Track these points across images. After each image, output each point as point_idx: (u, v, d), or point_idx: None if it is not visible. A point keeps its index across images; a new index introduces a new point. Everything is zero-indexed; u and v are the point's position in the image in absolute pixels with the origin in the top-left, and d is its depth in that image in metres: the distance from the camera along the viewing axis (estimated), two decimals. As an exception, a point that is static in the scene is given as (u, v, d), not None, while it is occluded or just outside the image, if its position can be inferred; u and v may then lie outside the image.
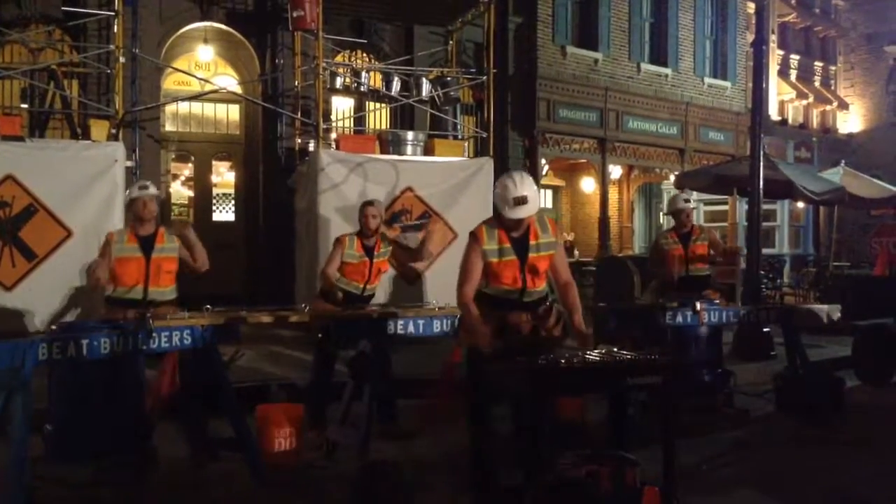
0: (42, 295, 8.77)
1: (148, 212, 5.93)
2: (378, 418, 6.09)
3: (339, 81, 11.72)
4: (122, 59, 9.98)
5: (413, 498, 4.28)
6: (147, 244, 5.90)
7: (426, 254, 6.98)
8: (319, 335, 6.35)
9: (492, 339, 4.41)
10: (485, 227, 4.64)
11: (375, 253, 6.67)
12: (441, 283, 10.03)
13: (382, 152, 10.97)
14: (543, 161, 16.74)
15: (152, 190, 6.04)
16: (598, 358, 4.28)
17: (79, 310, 8.67)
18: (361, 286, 6.68)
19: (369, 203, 6.80)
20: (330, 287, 6.58)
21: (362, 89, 11.95)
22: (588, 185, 19.29)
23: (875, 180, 16.02)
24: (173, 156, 13.90)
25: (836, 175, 15.36)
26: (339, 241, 6.71)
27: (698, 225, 8.19)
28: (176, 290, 6.05)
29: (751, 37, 17.72)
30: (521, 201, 4.43)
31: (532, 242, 4.59)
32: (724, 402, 7.14)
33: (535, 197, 4.51)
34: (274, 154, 13.24)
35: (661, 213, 20.81)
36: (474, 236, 4.61)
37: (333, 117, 13.29)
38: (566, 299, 4.74)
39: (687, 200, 7.99)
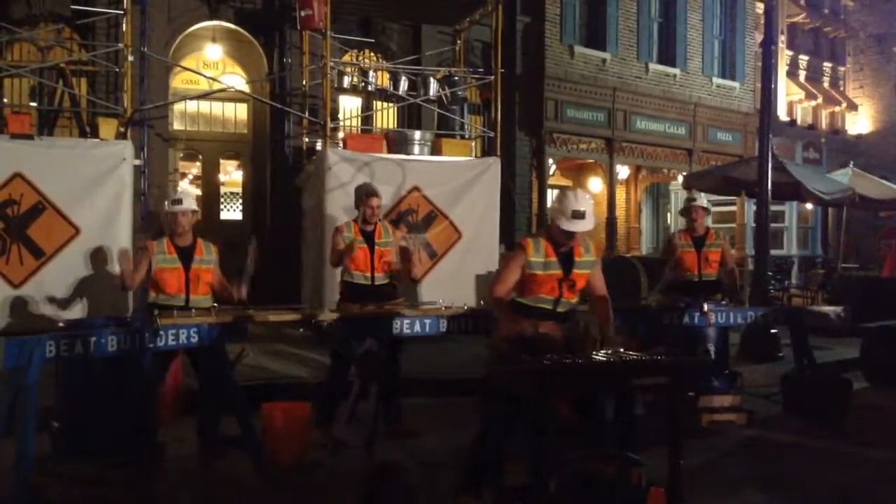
0: (50, 292, 8.80)
1: (180, 226, 5.92)
2: (384, 418, 6.09)
3: (346, 81, 11.73)
4: (130, 58, 10.00)
5: (417, 497, 4.28)
6: (186, 255, 5.93)
7: (412, 271, 6.80)
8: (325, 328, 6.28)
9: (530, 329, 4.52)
10: (531, 239, 4.77)
11: (376, 241, 6.52)
12: (446, 282, 10.11)
13: (390, 151, 10.97)
14: (551, 161, 16.73)
15: (186, 205, 5.96)
16: (604, 358, 4.27)
17: (87, 306, 8.69)
18: (369, 276, 6.49)
19: (372, 193, 6.65)
20: (337, 260, 6.47)
21: (370, 88, 11.96)
22: (595, 185, 19.24)
23: (884, 181, 15.93)
24: (181, 154, 13.93)
25: (845, 176, 15.29)
26: (336, 229, 6.62)
27: (714, 229, 8.00)
28: (212, 299, 6.05)
29: (759, 37, 17.66)
30: (580, 215, 4.57)
31: (576, 259, 4.72)
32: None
33: (592, 215, 4.64)
34: (281, 153, 13.25)
35: (668, 214, 20.78)
36: (521, 247, 4.73)
37: (341, 116, 13.29)
38: (600, 312, 4.87)
39: (693, 199, 7.74)
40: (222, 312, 5.59)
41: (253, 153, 13.98)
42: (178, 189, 7.05)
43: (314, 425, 5.93)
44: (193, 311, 5.59)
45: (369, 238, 6.52)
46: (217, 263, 6.10)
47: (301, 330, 8.74)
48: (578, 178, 19.69)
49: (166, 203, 6.05)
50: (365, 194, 6.62)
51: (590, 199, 4.68)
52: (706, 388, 6.98)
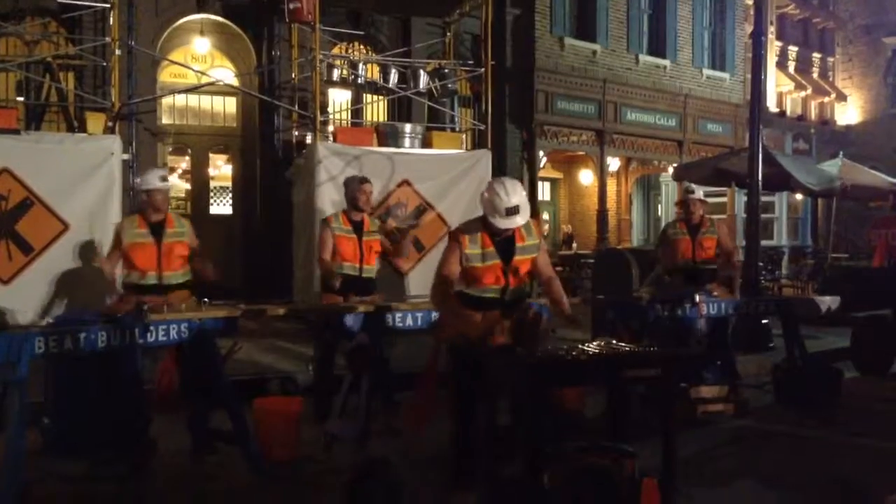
0: (40, 288, 8.74)
1: (165, 203, 5.98)
2: (381, 408, 6.07)
3: (336, 74, 11.67)
4: (118, 52, 9.91)
5: (400, 492, 4.28)
6: (157, 229, 5.92)
7: (404, 252, 6.91)
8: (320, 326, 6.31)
9: (480, 328, 4.47)
10: (466, 231, 4.62)
11: (364, 231, 6.59)
12: (432, 276, 10.08)
13: (380, 145, 10.93)
14: (541, 153, 16.73)
15: (170, 183, 6.17)
16: (596, 350, 4.27)
17: (76, 301, 8.63)
18: (357, 266, 6.54)
19: (364, 180, 6.70)
20: (328, 274, 6.46)
21: (360, 81, 11.90)
22: (586, 177, 19.26)
23: (873, 172, 15.97)
24: (170, 148, 13.86)
25: (835, 167, 15.31)
26: (325, 221, 6.67)
27: (710, 217, 8.04)
28: (189, 273, 6.03)
29: (749, 28, 17.69)
30: (514, 211, 4.41)
31: (518, 245, 4.60)
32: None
33: (526, 205, 4.50)
34: (271, 147, 13.21)
35: (659, 205, 20.82)
36: (456, 240, 4.59)
37: (331, 110, 13.25)
38: (552, 293, 4.77)
39: (690, 191, 7.78)
40: (212, 308, 5.55)
41: (242, 147, 13.93)
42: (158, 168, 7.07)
43: (309, 419, 5.92)
44: (167, 298, 5.56)
45: (358, 228, 6.56)
46: (191, 235, 6.04)
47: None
48: (569, 171, 19.72)
49: (150, 178, 5.93)
50: (358, 181, 6.69)
51: (521, 188, 4.52)
52: (698, 379, 6.99)
